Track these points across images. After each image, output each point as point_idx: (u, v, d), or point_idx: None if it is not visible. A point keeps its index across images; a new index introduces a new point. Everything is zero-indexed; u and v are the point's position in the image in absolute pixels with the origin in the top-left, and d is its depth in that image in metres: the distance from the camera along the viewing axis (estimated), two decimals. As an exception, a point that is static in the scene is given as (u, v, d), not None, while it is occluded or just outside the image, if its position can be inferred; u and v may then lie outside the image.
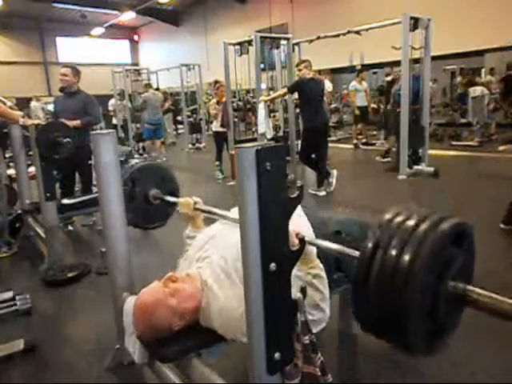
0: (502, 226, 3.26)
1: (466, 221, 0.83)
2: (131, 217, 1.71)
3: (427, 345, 0.82)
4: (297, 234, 1.08)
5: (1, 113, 3.10)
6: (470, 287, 0.81)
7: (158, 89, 10.30)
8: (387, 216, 0.84)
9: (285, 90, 5.27)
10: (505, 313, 0.75)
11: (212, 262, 1.39)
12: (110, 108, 10.97)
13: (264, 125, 5.37)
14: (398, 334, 0.80)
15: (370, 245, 0.80)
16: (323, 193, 4.92)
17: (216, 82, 6.47)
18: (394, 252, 0.77)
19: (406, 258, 0.75)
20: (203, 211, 1.68)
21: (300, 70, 4.98)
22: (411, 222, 0.80)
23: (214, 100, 6.55)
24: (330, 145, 5.44)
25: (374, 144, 8.51)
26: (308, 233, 1.31)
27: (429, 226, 0.78)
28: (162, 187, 1.94)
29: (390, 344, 0.84)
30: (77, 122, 3.66)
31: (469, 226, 0.85)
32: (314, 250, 1.25)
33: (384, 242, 0.79)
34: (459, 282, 0.81)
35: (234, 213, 1.43)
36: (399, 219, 0.82)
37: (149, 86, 8.84)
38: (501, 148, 4.50)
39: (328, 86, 8.36)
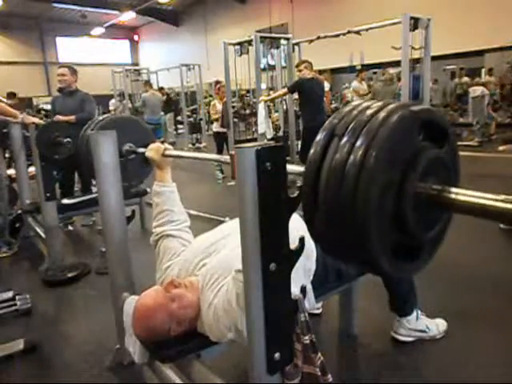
0: (501, 225, 3.27)
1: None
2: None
3: (399, 261, 0.70)
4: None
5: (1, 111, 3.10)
6: (447, 187, 0.68)
7: (162, 88, 10.28)
8: (347, 107, 0.73)
9: (285, 89, 5.28)
10: (485, 210, 0.63)
11: (210, 269, 1.36)
12: (111, 108, 10.97)
13: (264, 125, 5.37)
14: (356, 250, 0.66)
15: (320, 140, 0.69)
16: None
17: (217, 82, 6.47)
18: (346, 144, 0.65)
19: (359, 147, 0.62)
20: (173, 156, 1.60)
21: (300, 71, 4.98)
22: (372, 109, 0.68)
23: (216, 101, 6.55)
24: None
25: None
26: (302, 233, 1.31)
27: (391, 110, 0.66)
28: (136, 141, 1.83)
29: (350, 265, 0.76)
30: (70, 118, 3.67)
31: (443, 116, 0.74)
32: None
33: (337, 135, 0.67)
34: (433, 183, 0.68)
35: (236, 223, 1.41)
36: (360, 108, 0.70)
37: (149, 85, 8.80)
38: (501, 148, 4.51)
39: (326, 85, 8.36)
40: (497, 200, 0.63)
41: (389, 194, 0.65)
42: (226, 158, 1.19)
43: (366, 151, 0.62)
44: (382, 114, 0.65)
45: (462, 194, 0.66)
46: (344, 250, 0.72)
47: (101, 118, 1.95)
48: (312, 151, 0.71)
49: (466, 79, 10.25)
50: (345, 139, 0.66)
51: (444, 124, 0.73)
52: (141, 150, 1.76)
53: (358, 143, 0.63)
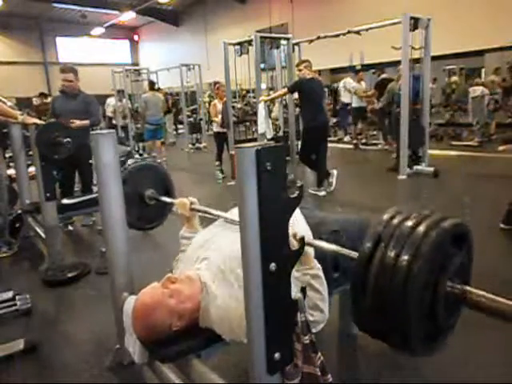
0: (501, 225, 3.26)
1: (466, 221, 0.83)
2: (128, 218, 1.71)
3: (425, 345, 0.82)
4: (294, 235, 1.08)
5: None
6: (469, 288, 0.80)
7: (159, 89, 10.26)
8: (387, 215, 0.84)
9: (285, 90, 5.27)
10: (503, 313, 0.75)
11: (210, 262, 1.40)
12: (109, 109, 10.85)
13: (264, 125, 5.37)
14: (396, 335, 0.79)
15: (368, 244, 0.79)
16: (323, 193, 4.92)
17: (216, 82, 6.48)
18: (393, 251, 0.76)
19: (406, 257, 0.74)
20: (199, 211, 1.71)
21: (300, 70, 4.98)
22: (411, 221, 0.80)
23: (216, 101, 6.54)
24: (330, 145, 5.44)
25: (375, 144, 8.50)
26: (305, 234, 1.31)
27: (429, 226, 0.78)
28: (158, 187, 1.95)
29: (388, 345, 0.84)
30: (85, 123, 3.69)
31: (467, 226, 0.85)
32: (311, 250, 1.25)
33: (383, 241, 0.78)
34: (457, 283, 0.81)
35: (234, 214, 1.43)
36: (399, 218, 0.82)
37: (152, 85, 8.75)
38: (501, 148, 4.50)
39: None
40: (508, 305, 0.74)
41: (427, 293, 0.78)
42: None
43: (411, 262, 0.74)
44: (422, 228, 0.78)
45: (480, 296, 0.79)
46: (386, 334, 0.83)
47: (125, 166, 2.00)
48: (361, 252, 0.82)
49: (455, 78, 10.24)
50: (391, 247, 0.78)
51: (466, 231, 0.85)
52: (164, 198, 1.91)
53: (405, 256, 0.76)
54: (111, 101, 10.68)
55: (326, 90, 9.05)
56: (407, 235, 0.78)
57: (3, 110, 3.08)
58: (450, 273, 0.80)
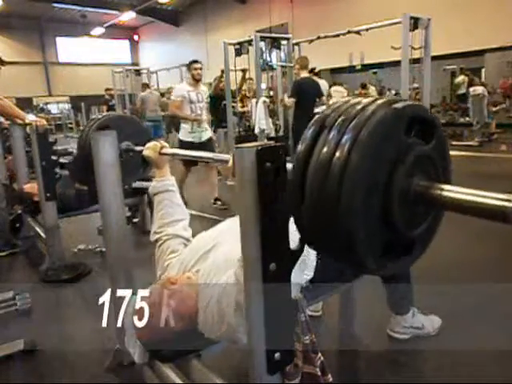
0: None
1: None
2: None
3: (386, 260, 0.69)
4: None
5: (6, 111, 3.04)
6: (434, 184, 0.66)
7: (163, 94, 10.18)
8: (337, 103, 0.72)
9: (292, 99, 5.04)
10: (475, 207, 0.61)
11: (208, 264, 1.38)
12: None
13: (264, 121, 5.37)
14: (340, 243, 0.65)
15: (308, 134, 0.69)
16: None
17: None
18: (332, 138, 0.63)
19: (349, 134, 0.62)
20: (170, 154, 1.62)
21: (295, 68, 5.12)
22: (366, 100, 0.68)
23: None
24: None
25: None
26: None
27: (384, 101, 0.66)
28: (134, 140, 1.85)
29: (340, 261, 0.71)
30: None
31: (429, 111, 0.73)
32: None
33: (326, 128, 0.66)
34: (420, 180, 0.67)
35: (233, 222, 1.41)
36: (354, 101, 0.70)
37: (146, 85, 8.86)
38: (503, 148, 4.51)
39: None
40: (485, 197, 0.61)
41: (375, 192, 0.64)
42: (223, 156, 1.19)
43: (351, 147, 0.61)
44: (370, 109, 0.65)
45: (448, 191, 0.65)
46: (331, 248, 0.71)
47: (99, 116, 1.96)
48: (301, 143, 0.71)
49: (462, 77, 10.18)
50: (333, 132, 0.65)
51: (431, 119, 0.73)
52: (138, 148, 1.77)
53: (344, 138, 0.62)
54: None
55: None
56: (352, 118, 0.64)
57: (7, 109, 3.04)
58: (406, 167, 0.65)
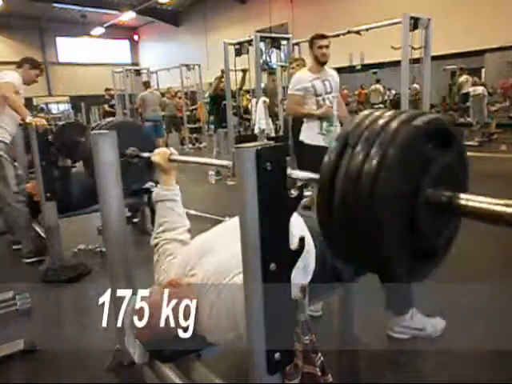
0: None
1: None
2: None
3: (408, 267, 0.71)
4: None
5: (15, 107, 3.02)
6: (458, 194, 0.69)
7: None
8: (357, 118, 0.74)
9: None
10: (499, 217, 0.63)
11: (206, 270, 1.36)
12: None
13: (264, 121, 5.37)
14: (370, 255, 0.68)
15: (333, 151, 0.70)
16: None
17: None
18: (359, 154, 0.66)
19: (375, 153, 0.64)
20: (178, 161, 1.60)
21: (293, 69, 5.03)
22: (384, 119, 0.70)
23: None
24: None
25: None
26: (303, 233, 1.31)
27: (400, 123, 0.68)
28: (139, 145, 1.86)
29: (369, 272, 0.74)
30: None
31: (448, 123, 0.75)
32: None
33: (350, 145, 0.68)
34: (444, 189, 0.69)
35: (234, 221, 1.40)
36: (374, 115, 0.72)
37: (147, 84, 8.82)
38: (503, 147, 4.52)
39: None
40: (507, 205, 0.63)
41: (403, 203, 0.67)
42: (228, 163, 1.20)
43: (381, 162, 0.65)
44: (392, 127, 0.68)
45: (471, 200, 0.67)
46: (359, 256, 0.74)
47: (103, 122, 1.97)
48: (326, 159, 0.73)
49: (466, 77, 10.16)
50: (358, 149, 0.68)
51: (451, 131, 0.75)
52: (145, 154, 1.78)
53: (372, 156, 0.66)
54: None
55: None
56: (375, 136, 0.67)
57: (17, 106, 3.01)
58: (431, 177, 0.68)
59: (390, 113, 0.72)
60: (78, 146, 2.78)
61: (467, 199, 0.67)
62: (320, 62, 3.21)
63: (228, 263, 1.27)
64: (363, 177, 0.65)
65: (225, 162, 1.29)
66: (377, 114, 0.73)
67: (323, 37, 3.20)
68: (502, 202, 0.63)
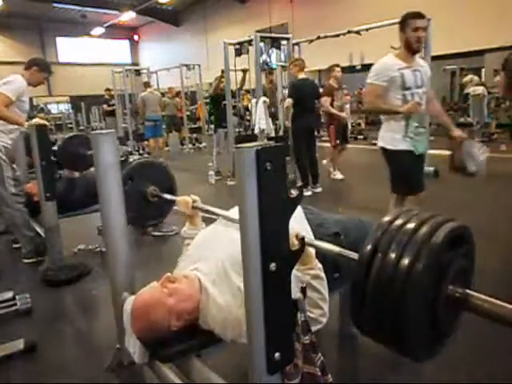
0: None
1: (466, 220, 0.83)
2: (129, 215, 1.71)
3: (426, 351, 0.82)
4: (296, 235, 1.08)
5: (4, 117, 3.02)
6: (471, 292, 0.80)
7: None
8: (386, 219, 0.83)
9: (288, 100, 5.08)
10: (505, 318, 0.74)
11: (209, 262, 1.39)
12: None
13: (264, 121, 5.39)
14: (397, 340, 0.79)
15: (368, 247, 0.79)
16: (319, 189, 4.99)
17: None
18: (392, 256, 0.76)
19: (405, 262, 0.74)
20: (201, 209, 1.70)
21: (291, 69, 5.09)
22: (411, 225, 0.79)
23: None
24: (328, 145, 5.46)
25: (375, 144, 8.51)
26: (306, 234, 1.31)
27: (428, 230, 0.77)
28: (159, 184, 1.94)
29: (389, 349, 0.84)
30: None
31: (468, 229, 0.84)
32: (313, 251, 1.25)
33: (383, 246, 0.78)
34: (458, 287, 0.80)
35: (234, 213, 1.43)
36: (399, 222, 0.81)
37: (147, 84, 8.87)
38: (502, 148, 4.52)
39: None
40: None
41: (426, 299, 0.77)
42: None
43: (411, 267, 0.74)
44: (419, 239, 0.77)
45: (481, 300, 0.78)
46: (386, 341, 0.83)
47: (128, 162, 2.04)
48: (362, 251, 0.81)
49: (470, 76, 10.15)
50: (390, 254, 0.78)
51: (467, 233, 0.85)
52: (169, 196, 1.89)
53: (405, 261, 0.76)
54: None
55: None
56: (406, 240, 0.78)
57: (6, 116, 3.00)
58: (450, 277, 0.80)
59: (414, 224, 0.80)
60: (84, 158, 2.78)
61: (479, 299, 0.79)
62: (412, 49, 2.51)
63: (233, 255, 1.28)
64: (397, 275, 0.75)
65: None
66: (403, 222, 0.82)
67: (420, 16, 2.46)
68: (507, 305, 0.75)
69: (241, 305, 1.16)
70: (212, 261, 1.39)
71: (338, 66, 5.71)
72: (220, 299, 1.27)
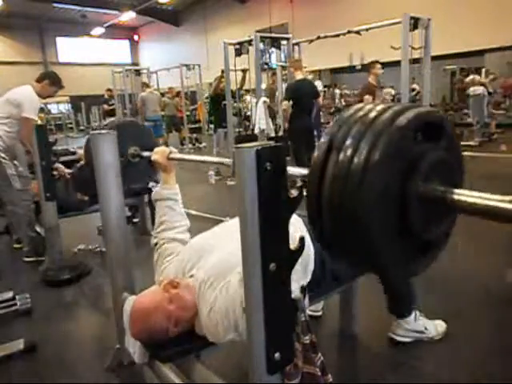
0: None
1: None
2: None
3: (402, 264, 0.72)
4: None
5: (29, 142, 2.87)
6: (450, 188, 0.68)
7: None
8: (345, 113, 0.74)
9: (285, 102, 5.10)
10: (492, 211, 0.63)
11: (206, 270, 1.35)
12: None
13: (264, 121, 5.38)
14: (362, 253, 0.69)
15: (322, 146, 0.71)
16: None
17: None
18: (349, 150, 0.66)
19: (362, 153, 0.65)
20: (177, 159, 1.63)
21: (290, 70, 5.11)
22: (371, 114, 0.69)
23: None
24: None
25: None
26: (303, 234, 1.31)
27: (391, 116, 0.67)
28: (140, 144, 1.87)
29: (361, 268, 0.77)
30: None
31: (445, 119, 0.74)
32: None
33: (338, 141, 0.69)
34: (436, 184, 0.69)
35: (233, 223, 1.40)
36: (359, 114, 0.72)
37: (146, 85, 8.90)
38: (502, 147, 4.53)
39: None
40: (501, 201, 0.63)
41: (393, 198, 0.67)
42: (227, 160, 1.20)
43: (366, 162, 0.64)
44: (376, 129, 0.67)
45: (465, 195, 0.67)
46: (352, 255, 0.74)
47: (105, 122, 1.98)
48: (315, 154, 0.73)
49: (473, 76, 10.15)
50: (348, 142, 0.68)
51: (438, 121, 0.74)
52: (146, 153, 1.79)
53: (361, 149, 0.66)
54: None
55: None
56: (364, 130, 0.67)
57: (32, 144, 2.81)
58: (422, 172, 0.68)
59: (373, 113, 0.71)
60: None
61: (460, 194, 0.67)
62: None
63: (227, 263, 1.27)
64: (349, 178, 0.65)
65: (223, 160, 1.30)
66: (361, 113, 0.73)
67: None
68: (494, 197, 0.64)
69: (232, 315, 1.16)
70: (211, 268, 1.35)
71: (378, 62, 5.42)
72: (212, 308, 1.23)
